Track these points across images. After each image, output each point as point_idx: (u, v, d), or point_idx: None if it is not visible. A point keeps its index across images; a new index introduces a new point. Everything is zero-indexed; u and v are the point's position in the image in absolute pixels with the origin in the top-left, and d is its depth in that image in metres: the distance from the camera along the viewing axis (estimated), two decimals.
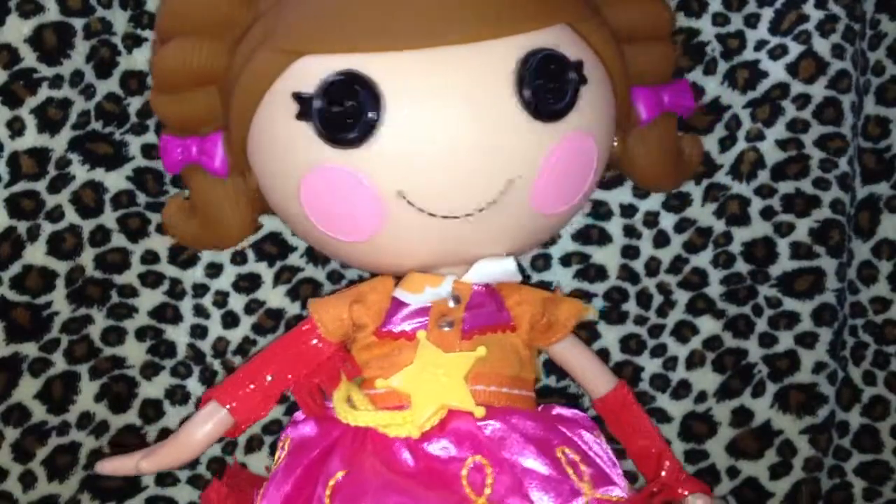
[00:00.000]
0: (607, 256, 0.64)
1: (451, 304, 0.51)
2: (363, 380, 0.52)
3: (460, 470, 0.48)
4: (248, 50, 0.50)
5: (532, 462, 0.49)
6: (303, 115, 0.48)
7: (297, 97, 0.48)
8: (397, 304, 0.52)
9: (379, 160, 0.47)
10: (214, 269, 0.61)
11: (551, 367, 0.62)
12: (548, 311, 0.53)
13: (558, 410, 0.54)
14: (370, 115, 0.47)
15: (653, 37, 0.55)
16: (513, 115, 0.48)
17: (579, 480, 0.49)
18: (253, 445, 0.63)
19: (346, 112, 0.47)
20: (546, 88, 0.48)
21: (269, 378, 0.52)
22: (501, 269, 0.52)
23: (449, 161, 0.47)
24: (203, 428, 0.52)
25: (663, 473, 0.54)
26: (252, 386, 0.52)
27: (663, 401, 0.64)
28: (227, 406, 0.51)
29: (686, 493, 0.54)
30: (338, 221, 0.50)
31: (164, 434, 0.61)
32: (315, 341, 0.52)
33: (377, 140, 0.47)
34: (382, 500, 0.46)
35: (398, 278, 0.52)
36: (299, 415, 0.53)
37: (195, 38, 0.51)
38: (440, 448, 0.49)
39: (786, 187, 0.63)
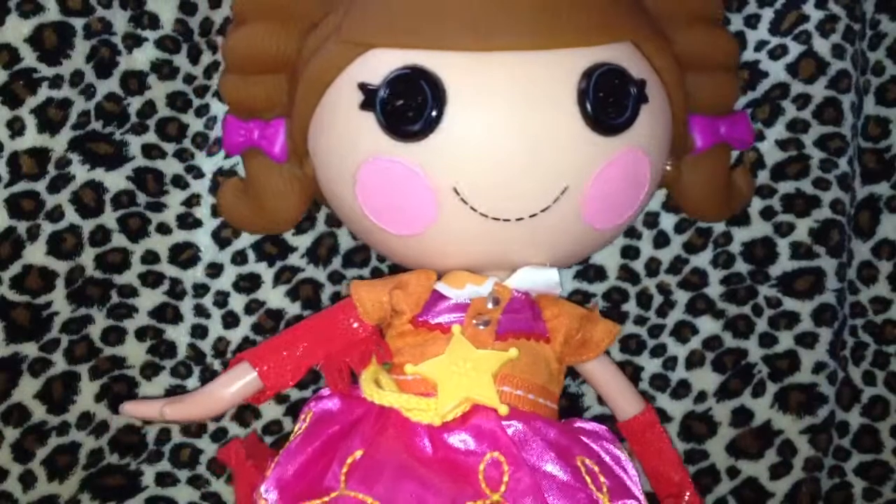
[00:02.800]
0: (607, 256, 0.64)
1: (490, 304, 0.52)
2: (392, 366, 0.53)
3: (478, 464, 0.48)
4: (319, 40, 0.52)
5: (551, 467, 0.49)
6: (367, 105, 0.49)
7: (363, 87, 0.49)
8: (437, 297, 0.53)
9: (437, 155, 0.48)
10: (215, 270, 0.61)
11: None
12: (583, 329, 0.54)
13: (580, 423, 0.54)
14: (432, 110, 0.48)
15: (717, 67, 0.56)
16: (572, 126, 0.49)
17: (597, 491, 0.49)
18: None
19: (409, 105, 0.48)
20: (607, 102, 0.49)
21: (302, 349, 0.53)
22: (544, 278, 0.53)
23: (505, 163, 0.48)
24: (232, 386, 0.53)
25: (686, 498, 0.55)
26: (285, 353, 0.53)
27: (663, 401, 0.64)
28: (258, 368, 0.52)
29: None
30: (390, 213, 0.51)
31: (164, 434, 0.62)
32: (352, 321, 0.53)
33: (437, 136, 0.48)
34: (397, 484, 0.47)
35: (440, 275, 0.53)
36: (325, 390, 0.54)
37: (270, 24, 0.53)
38: (460, 440, 0.49)
39: (786, 187, 0.63)
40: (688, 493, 0.55)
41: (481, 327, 0.51)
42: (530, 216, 0.50)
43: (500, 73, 0.48)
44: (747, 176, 0.62)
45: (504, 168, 0.49)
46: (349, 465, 0.49)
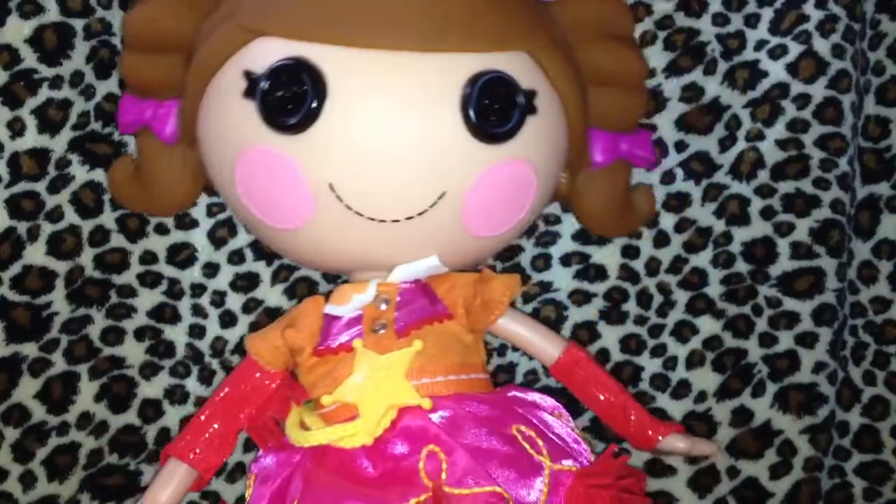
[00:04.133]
0: (607, 256, 0.64)
1: (383, 306, 0.52)
2: (314, 401, 0.52)
3: (417, 463, 0.48)
4: (213, 24, 0.51)
5: (487, 442, 0.49)
6: (249, 93, 0.49)
7: (248, 75, 0.49)
8: (330, 320, 0.52)
9: (314, 150, 0.48)
10: (212, 269, 0.62)
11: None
12: (480, 292, 0.53)
13: (514, 392, 0.54)
14: (312, 103, 0.47)
15: (621, 84, 0.55)
16: (454, 131, 0.48)
17: (538, 455, 0.49)
18: (251, 445, 0.62)
19: (289, 97, 0.48)
20: (491, 110, 0.49)
21: (218, 425, 0.53)
22: (424, 266, 0.52)
23: (382, 163, 0.48)
24: (168, 487, 0.52)
25: (632, 419, 0.54)
26: (207, 434, 0.53)
27: (663, 401, 0.64)
28: (187, 459, 0.52)
29: (659, 437, 0.54)
30: (268, 205, 0.51)
31: (163, 434, 0.62)
32: (258, 375, 0.53)
33: (315, 130, 0.48)
34: None
35: (328, 296, 0.53)
36: (262, 451, 0.53)
37: (172, 3, 0.52)
38: (395, 447, 0.49)
39: (786, 187, 0.63)
40: (633, 414, 0.54)
41: (381, 332, 0.51)
42: (407, 218, 0.49)
43: (384, 72, 0.48)
44: (649, 194, 0.61)
45: (381, 168, 0.48)
46: None
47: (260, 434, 0.53)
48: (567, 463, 0.50)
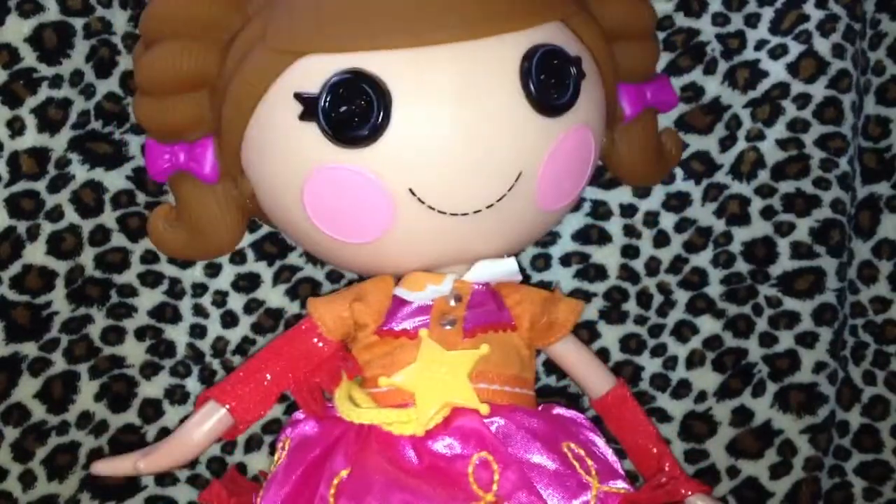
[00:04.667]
0: (607, 256, 0.64)
1: (452, 302, 0.51)
2: (364, 379, 0.52)
3: (466, 467, 0.48)
4: (242, 52, 0.49)
5: (539, 458, 0.49)
6: (307, 115, 0.47)
7: (300, 97, 0.48)
8: (398, 303, 0.52)
9: (388, 158, 0.47)
10: (213, 269, 0.61)
11: (551, 366, 0.63)
12: (547, 311, 0.53)
13: (558, 410, 0.54)
14: (378, 113, 0.47)
15: (637, 34, 0.56)
16: (519, 111, 0.48)
17: (586, 474, 0.49)
18: (252, 445, 0.63)
19: (354, 111, 0.47)
20: (549, 83, 0.48)
21: (268, 377, 0.51)
22: (502, 268, 0.52)
23: (459, 158, 0.48)
24: (201, 428, 0.51)
25: (666, 469, 0.54)
26: (251, 385, 0.51)
27: (663, 400, 0.64)
28: (226, 406, 0.51)
29: (688, 493, 0.54)
30: (344, 222, 0.50)
31: (164, 434, 0.61)
32: (315, 340, 0.52)
33: (386, 139, 0.47)
34: (388, 497, 0.46)
35: (397, 279, 0.52)
36: (298, 414, 0.53)
37: (183, 42, 0.50)
38: (445, 446, 0.49)
39: (786, 187, 0.63)
40: (667, 465, 0.54)
41: (448, 327, 0.50)
42: (487, 207, 0.49)
43: (440, 68, 0.47)
44: (675, 135, 0.61)
45: (458, 163, 0.48)
46: (336, 487, 0.48)
47: (304, 398, 0.51)
48: (615, 485, 0.50)
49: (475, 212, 0.49)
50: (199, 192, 0.53)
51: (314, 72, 0.48)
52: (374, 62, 0.47)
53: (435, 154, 0.47)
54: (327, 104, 0.47)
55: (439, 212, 0.48)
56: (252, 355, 0.54)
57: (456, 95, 0.47)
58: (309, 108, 0.47)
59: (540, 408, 0.53)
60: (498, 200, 0.49)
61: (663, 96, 0.58)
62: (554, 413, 0.53)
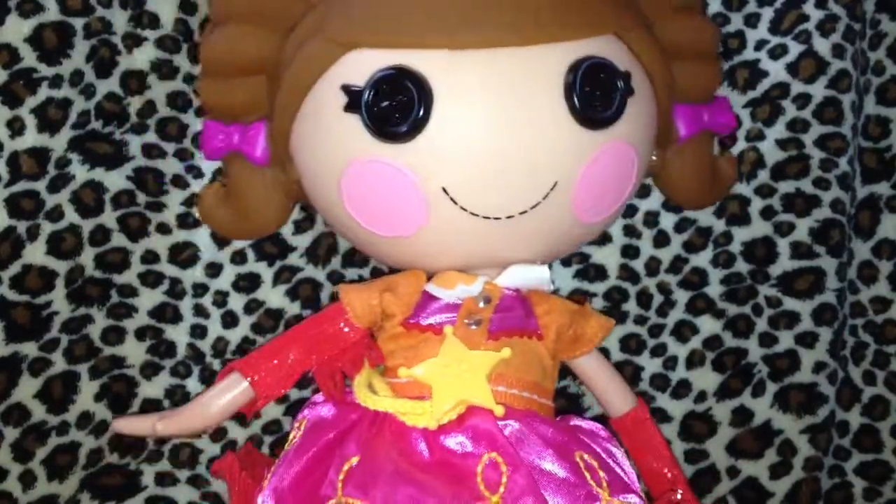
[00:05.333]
0: (607, 256, 0.64)
1: (481, 304, 0.52)
2: (385, 368, 0.52)
3: (476, 466, 0.48)
4: (299, 40, 0.51)
5: (550, 465, 0.49)
6: (351, 107, 0.48)
7: (347, 89, 0.49)
8: (428, 298, 0.52)
9: (425, 156, 0.48)
10: (214, 269, 0.61)
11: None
12: (576, 324, 0.53)
13: (576, 421, 0.54)
14: (419, 110, 0.47)
15: (699, 55, 0.56)
16: (560, 121, 0.48)
17: (597, 486, 0.49)
18: (253, 445, 0.63)
19: (396, 106, 0.48)
20: (594, 96, 0.49)
21: (291, 356, 0.52)
22: (535, 275, 0.53)
23: (494, 162, 0.48)
24: (223, 397, 0.52)
25: (679, 496, 0.54)
26: (275, 361, 0.52)
27: (663, 400, 0.64)
28: (249, 378, 0.51)
29: None
30: (378, 216, 0.50)
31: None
32: (342, 325, 0.53)
33: (424, 136, 0.48)
34: (394, 490, 0.47)
35: (430, 275, 0.53)
36: (318, 397, 0.53)
37: (247, 26, 0.52)
38: (456, 443, 0.49)
39: (786, 187, 0.63)
40: (680, 491, 0.55)
41: (473, 327, 0.51)
42: (520, 213, 0.49)
43: (485, 71, 0.48)
44: (732, 160, 0.61)
45: (493, 166, 0.48)
46: (345, 472, 0.48)
47: (325, 381, 0.52)
48: (627, 499, 0.49)
49: (508, 217, 0.49)
50: (249, 173, 0.55)
51: (362, 65, 0.48)
52: (420, 60, 0.48)
53: (470, 155, 0.48)
54: (371, 97, 0.48)
55: (472, 214, 0.49)
56: (280, 335, 0.55)
57: (496, 99, 0.48)
58: (354, 100, 0.48)
59: (558, 419, 0.54)
60: (532, 208, 0.49)
61: (721, 118, 0.58)
62: (572, 424, 0.53)
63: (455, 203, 0.49)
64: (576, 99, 0.48)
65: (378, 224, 0.51)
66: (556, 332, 0.53)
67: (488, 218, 0.49)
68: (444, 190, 0.48)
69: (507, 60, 0.48)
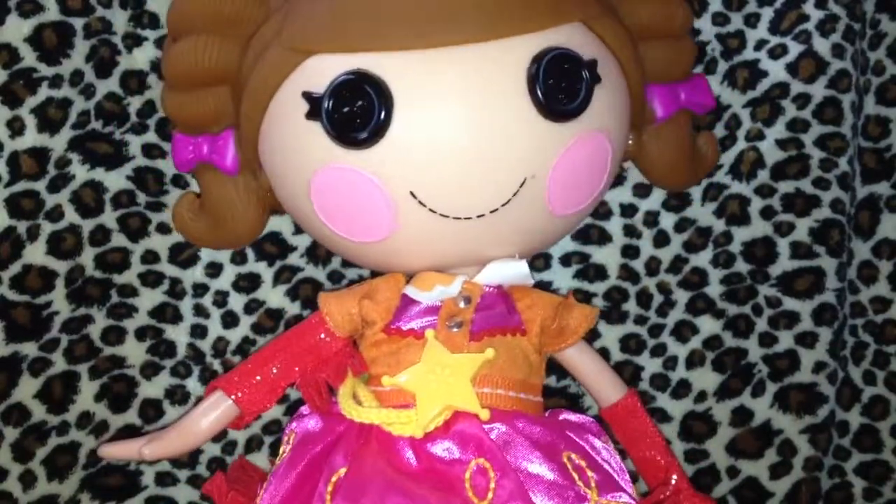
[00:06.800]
0: (607, 256, 0.64)
1: (462, 304, 0.51)
2: (369, 376, 0.52)
3: (463, 473, 0.47)
4: (260, 48, 0.50)
5: (537, 467, 0.48)
6: (312, 114, 0.48)
7: (308, 96, 0.48)
8: (407, 302, 0.52)
9: (390, 161, 0.47)
10: (214, 269, 0.61)
11: (551, 367, 0.62)
12: (559, 316, 0.53)
13: (565, 416, 0.53)
14: (380, 115, 0.46)
15: (668, 34, 0.55)
16: (525, 116, 0.47)
17: (585, 486, 0.49)
18: (252, 445, 0.63)
19: (356, 112, 0.47)
20: (559, 88, 0.48)
21: (275, 370, 0.52)
22: (514, 271, 0.52)
23: (459, 162, 0.47)
24: (208, 417, 0.52)
25: (672, 482, 0.54)
26: (258, 377, 0.52)
27: (663, 400, 0.64)
28: (233, 396, 0.51)
29: None
30: (348, 222, 0.50)
31: None
32: (323, 335, 0.52)
33: (387, 140, 0.47)
34: (382, 498, 0.46)
35: (409, 276, 0.52)
36: (305, 409, 0.53)
37: (206, 37, 0.51)
38: (443, 449, 0.48)
39: (786, 187, 0.63)
40: (674, 477, 0.54)
41: (455, 329, 0.50)
42: (491, 211, 0.48)
43: (445, 70, 0.47)
44: (712, 138, 0.61)
45: (459, 166, 0.47)
46: (334, 484, 0.48)
47: (310, 393, 0.51)
48: (616, 498, 0.49)
49: (479, 216, 0.48)
50: (221, 183, 0.54)
51: (322, 71, 0.48)
52: (378, 63, 0.47)
53: (435, 158, 0.47)
54: (331, 104, 0.47)
55: (442, 215, 0.48)
56: (260, 347, 0.54)
57: (459, 99, 0.47)
58: (314, 107, 0.48)
59: (547, 413, 0.53)
60: (503, 205, 0.48)
61: (698, 97, 0.57)
62: (560, 419, 0.53)
63: (424, 206, 0.48)
64: (539, 92, 0.47)
65: (349, 230, 0.50)
66: (540, 326, 0.52)
67: (459, 218, 0.48)
68: (412, 194, 0.47)
69: (467, 58, 0.47)
